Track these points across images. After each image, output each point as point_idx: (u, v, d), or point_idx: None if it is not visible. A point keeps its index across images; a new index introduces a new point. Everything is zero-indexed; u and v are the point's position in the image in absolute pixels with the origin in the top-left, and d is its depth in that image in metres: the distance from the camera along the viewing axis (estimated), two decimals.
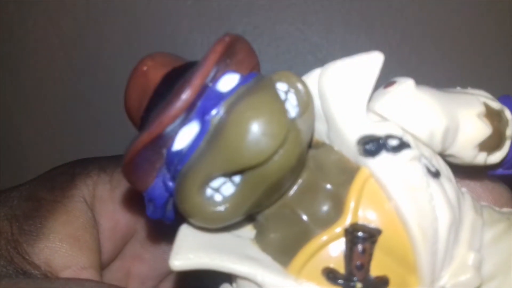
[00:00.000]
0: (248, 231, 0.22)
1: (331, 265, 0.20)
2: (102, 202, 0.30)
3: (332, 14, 0.59)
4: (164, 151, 0.21)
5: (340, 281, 0.20)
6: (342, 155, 0.22)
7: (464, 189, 0.23)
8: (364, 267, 0.20)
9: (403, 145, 0.20)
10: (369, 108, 0.22)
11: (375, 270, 0.20)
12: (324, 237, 0.20)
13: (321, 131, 0.23)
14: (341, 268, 0.20)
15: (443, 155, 0.23)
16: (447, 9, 0.57)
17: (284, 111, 0.19)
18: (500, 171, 0.25)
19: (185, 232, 0.21)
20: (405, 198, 0.20)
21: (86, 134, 0.62)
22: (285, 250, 0.21)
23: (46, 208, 0.27)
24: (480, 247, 0.21)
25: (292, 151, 0.19)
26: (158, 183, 0.22)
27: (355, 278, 0.20)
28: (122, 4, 0.61)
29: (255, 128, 0.18)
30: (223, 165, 0.19)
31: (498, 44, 0.52)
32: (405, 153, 0.20)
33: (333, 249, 0.20)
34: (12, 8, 0.62)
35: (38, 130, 0.63)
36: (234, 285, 0.21)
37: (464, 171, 0.28)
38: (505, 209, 0.24)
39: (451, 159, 0.23)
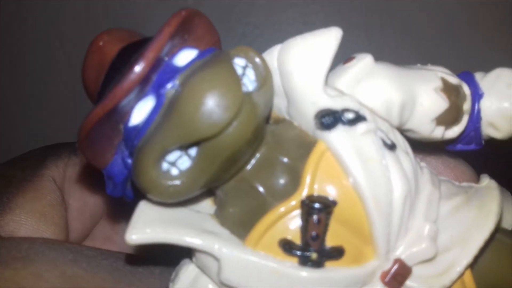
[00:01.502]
0: (208, 206, 0.22)
1: (288, 237, 0.20)
2: (71, 183, 0.30)
3: (332, 14, 0.59)
4: (122, 126, 0.21)
5: (296, 251, 0.20)
6: (301, 130, 0.22)
7: (423, 164, 0.24)
8: (319, 237, 0.20)
9: (359, 118, 0.21)
10: (328, 84, 0.22)
11: (331, 240, 0.20)
12: (281, 209, 0.20)
13: (281, 107, 0.23)
14: (297, 239, 0.20)
15: (401, 130, 0.23)
16: (447, 9, 0.58)
17: (238, 84, 0.19)
18: (459, 146, 0.25)
19: (142, 208, 0.21)
20: (360, 170, 0.20)
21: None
22: (243, 223, 0.21)
23: (15, 186, 0.28)
24: (436, 218, 0.21)
25: (247, 123, 0.19)
26: (117, 160, 0.22)
27: (310, 248, 0.20)
28: (122, 5, 0.60)
29: (209, 100, 0.18)
30: (178, 137, 0.19)
31: (498, 42, 0.52)
32: (360, 126, 0.20)
33: (289, 221, 0.20)
34: (12, 8, 0.62)
35: (39, 131, 0.63)
36: (194, 259, 0.21)
37: (426, 149, 0.28)
38: (464, 184, 0.24)
39: (409, 134, 0.23)
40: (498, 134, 0.24)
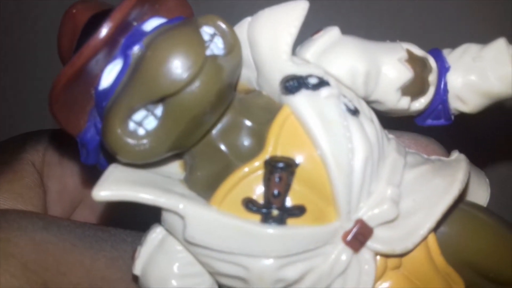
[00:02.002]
0: (178, 173, 0.23)
1: (251, 195, 0.20)
2: (51, 166, 0.31)
3: (332, 14, 0.60)
4: (93, 91, 0.22)
5: (258, 209, 0.20)
6: (269, 98, 0.23)
7: (391, 136, 0.24)
8: (281, 195, 0.20)
9: (322, 83, 0.21)
10: (297, 55, 0.23)
11: (293, 199, 0.20)
12: (245, 170, 0.21)
13: (251, 79, 0.23)
14: (260, 198, 0.20)
15: (369, 102, 0.23)
16: (447, 10, 0.58)
17: (201, 45, 0.20)
18: (429, 121, 0.26)
19: (112, 169, 0.21)
20: (321, 132, 0.20)
21: None
22: (209, 185, 0.21)
23: None
24: (399, 183, 0.22)
25: (209, 84, 0.20)
26: (90, 127, 0.23)
27: (272, 206, 0.20)
28: None
29: (171, 58, 0.19)
30: (142, 95, 0.19)
31: None
32: (323, 90, 0.21)
33: (252, 181, 0.21)
34: (12, 8, 0.63)
35: (19, 120, 0.63)
36: (162, 222, 0.22)
37: (399, 129, 0.29)
38: (433, 157, 0.25)
39: (377, 106, 0.24)
40: (466, 107, 0.25)
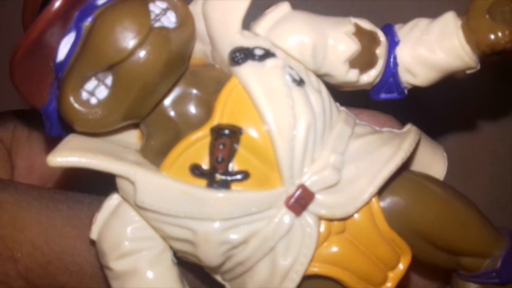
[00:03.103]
0: (137, 143, 0.24)
1: (197, 162, 0.21)
2: (19, 143, 0.32)
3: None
4: (52, 64, 0.23)
5: (204, 174, 0.21)
6: (221, 71, 0.24)
7: (343, 108, 0.25)
8: (224, 161, 0.21)
9: (268, 55, 0.22)
10: (249, 29, 0.24)
11: (237, 165, 0.21)
12: (193, 137, 0.22)
13: (207, 53, 0.24)
14: (206, 164, 0.21)
15: (320, 76, 0.24)
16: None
17: (146, 16, 0.21)
18: (383, 95, 0.26)
19: (69, 138, 0.22)
20: (265, 100, 0.21)
21: None
22: (160, 153, 0.22)
23: None
24: (344, 151, 0.23)
25: (155, 54, 0.21)
26: (52, 99, 0.24)
27: (217, 171, 0.21)
28: None
29: (116, 28, 0.20)
30: (91, 64, 0.20)
31: None
32: (269, 61, 0.22)
33: (199, 148, 0.22)
34: (12, 8, 0.64)
35: None
36: (118, 190, 0.23)
37: (359, 107, 0.30)
38: (385, 129, 0.26)
39: (328, 79, 0.24)
40: (416, 80, 0.25)
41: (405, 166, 0.26)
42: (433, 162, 0.28)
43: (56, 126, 0.24)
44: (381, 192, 0.24)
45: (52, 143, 0.31)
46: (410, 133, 0.25)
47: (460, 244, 0.24)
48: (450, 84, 0.28)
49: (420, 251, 0.25)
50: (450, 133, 0.40)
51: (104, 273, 0.24)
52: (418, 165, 0.27)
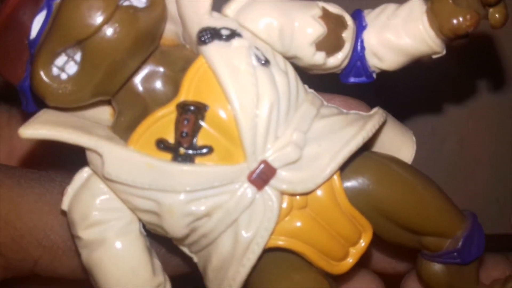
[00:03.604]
0: (108, 120, 0.25)
1: (163, 136, 0.22)
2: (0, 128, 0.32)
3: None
4: (26, 41, 0.24)
5: (168, 148, 0.22)
6: (191, 51, 0.24)
7: (311, 90, 0.26)
8: (188, 136, 0.22)
9: (234, 35, 0.23)
10: (220, 12, 0.24)
11: (202, 140, 0.22)
12: (159, 113, 0.22)
13: (178, 34, 0.25)
14: (171, 139, 0.22)
15: (288, 58, 0.25)
16: None
17: None
18: (352, 79, 0.27)
19: (42, 113, 0.23)
20: (229, 79, 0.22)
21: None
22: (128, 128, 0.23)
23: None
24: (307, 130, 0.23)
25: (122, 32, 0.21)
26: (27, 76, 0.25)
27: (181, 145, 0.22)
28: None
29: (84, 4, 0.21)
30: (60, 40, 0.21)
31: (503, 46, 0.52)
32: (235, 41, 0.23)
33: (166, 123, 0.22)
34: None
35: None
36: (89, 163, 0.24)
37: (332, 92, 0.30)
38: (352, 111, 0.26)
39: (296, 61, 0.25)
40: (383, 64, 0.26)
41: (369, 147, 0.27)
42: (402, 146, 0.28)
43: (31, 103, 0.25)
44: (345, 171, 0.24)
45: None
46: (376, 115, 0.25)
47: (422, 224, 0.25)
48: (418, 69, 0.29)
49: (384, 230, 0.25)
50: (421, 118, 0.40)
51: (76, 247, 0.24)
52: (386, 148, 0.28)
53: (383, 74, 0.27)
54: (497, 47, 0.40)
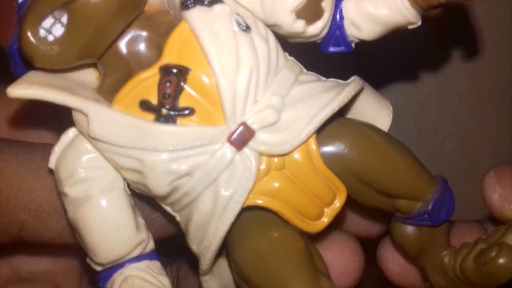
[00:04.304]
0: (95, 83, 0.26)
1: (146, 98, 0.23)
2: None
3: None
4: (15, 4, 0.24)
5: (151, 108, 0.23)
6: (174, 17, 0.25)
7: (292, 58, 0.27)
8: (171, 97, 0.23)
9: (216, 1, 0.24)
10: None
11: (184, 102, 0.23)
12: (143, 76, 0.23)
13: (164, 1, 0.26)
14: (154, 100, 0.23)
15: (269, 26, 0.26)
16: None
17: None
18: (332, 48, 0.28)
19: (30, 74, 0.24)
20: (211, 43, 0.23)
21: None
22: (113, 90, 0.24)
23: None
24: (285, 95, 0.24)
25: None
26: (16, 40, 0.25)
27: (164, 106, 0.23)
28: None
29: None
30: (48, 1, 0.22)
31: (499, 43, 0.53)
32: (216, 6, 0.24)
33: (149, 85, 0.23)
34: None
35: None
36: (75, 124, 0.25)
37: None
38: (331, 79, 0.27)
39: (277, 29, 0.26)
40: (361, 34, 0.27)
41: (346, 114, 0.28)
42: (378, 114, 0.29)
43: (19, 65, 0.26)
44: (322, 136, 0.26)
45: (19, 108, 0.32)
46: (352, 82, 0.26)
47: (394, 187, 0.26)
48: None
49: (358, 193, 0.27)
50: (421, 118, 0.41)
51: (62, 210, 0.25)
52: (363, 116, 0.29)
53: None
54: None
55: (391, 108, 0.30)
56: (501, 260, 0.26)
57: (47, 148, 0.26)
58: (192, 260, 0.28)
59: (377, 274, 0.38)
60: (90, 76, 0.26)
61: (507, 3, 0.45)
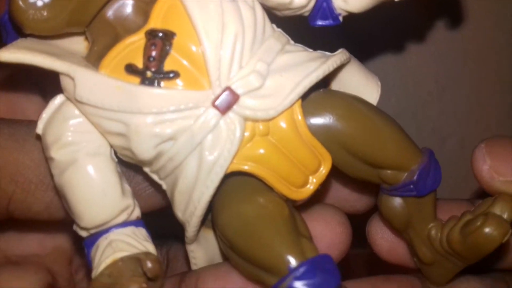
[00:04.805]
0: (84, 52, 0.26)
1: (132, 62, 0.24)
2: None
3: None
4: None
5: (136, 72, 0.23)
6: None
7: (279, 29, 0.27)
8: (155, 60, 0.23)
9: None
10: None
11: (169, 65, 0.24)
12: (129, 40, 0.24)
13: None
14: (140, 64, 0.24)
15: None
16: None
17: None
18: (319, 22, 0.28)
19: (21, 40, 0.25)
20: (197, 9, 0.23)
21: None
22: (100, 56, 0.24)
23: None
24: (271, 62, 0.25)
25: None
26: (7, 11, 0.26)
27: (149, 69, 0.23)
28: None
29: None
30: None
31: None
32: None
33: (135, 49, 0.24)
34: None
35: None
36: (63, 90, 0.25)
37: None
38: (318, 51, 0.27)
39: (263, 1, 0.26)
40: (347, 6, 0.27)
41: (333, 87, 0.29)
42: (366, 88, 0.29)
43: (11, 35, 0.26)
44: (308, 106, 0.26)
45: (14, 85, 0.33)
46: (339, 54, 0.27)
47: (379, 157, 0.26)
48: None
49: (344, 163, 0.27)
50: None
51: (50, 181, 0.26)
52: (350, 89, 0.29)
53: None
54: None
55: (379, 83, 0.30)
56: (486, 229, 0.25)
57: (32, 123, 0.26)
58: (182, 242, 0.28)
59: (365, 256, 0.38)
60: (79, 45, 0.26)
61: (507, 3, 0.45)
